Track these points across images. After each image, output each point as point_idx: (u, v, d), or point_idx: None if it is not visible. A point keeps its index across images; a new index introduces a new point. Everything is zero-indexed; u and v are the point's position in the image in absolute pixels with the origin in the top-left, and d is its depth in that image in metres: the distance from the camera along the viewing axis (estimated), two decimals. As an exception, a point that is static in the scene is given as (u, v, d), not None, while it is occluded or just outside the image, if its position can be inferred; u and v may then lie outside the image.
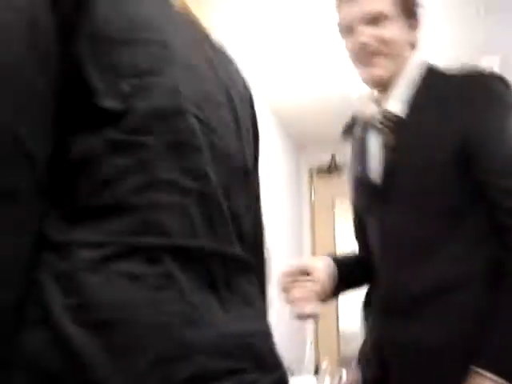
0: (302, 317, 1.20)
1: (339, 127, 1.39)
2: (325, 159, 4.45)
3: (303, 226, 4.46)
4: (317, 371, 2.79)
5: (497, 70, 2.57)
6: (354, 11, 1.18)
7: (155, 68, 0.62)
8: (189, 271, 0.58)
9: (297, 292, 1.19)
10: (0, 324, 0.50)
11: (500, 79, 1.16)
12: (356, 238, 1.43)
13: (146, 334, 0.52)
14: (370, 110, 1.26)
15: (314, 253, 4.52)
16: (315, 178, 4.67)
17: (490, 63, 2.86)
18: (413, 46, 1.25)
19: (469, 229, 1.13)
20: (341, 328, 4.32)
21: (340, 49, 1.28)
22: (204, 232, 0.62)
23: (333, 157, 4.45)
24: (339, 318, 4.35)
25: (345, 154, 1.40)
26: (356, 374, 1.23)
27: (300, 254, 4.24)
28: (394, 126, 1.20)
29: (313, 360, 3.51)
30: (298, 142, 4.40)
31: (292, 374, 2.42)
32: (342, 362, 3.70)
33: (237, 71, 0.83)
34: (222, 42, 0.82)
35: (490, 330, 1.05)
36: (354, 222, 1.43)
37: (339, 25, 1.24)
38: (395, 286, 1.17)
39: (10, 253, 0.51)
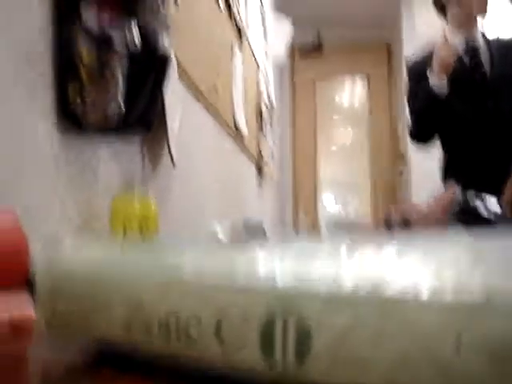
0: None
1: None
2: (308, 36, 4.44)
3: (284, 107, 4.56)
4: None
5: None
6: None
7: None
8: None
9: None
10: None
11: None
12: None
13: None
14: None
15: (294, 136, 4.68)
16: (297, 58, 4.70)
17: None
18: None
19: None
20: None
21: None
22: None
23: (318, 34, 4.42)
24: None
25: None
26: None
27: (281, 136, 4.38)
28: None
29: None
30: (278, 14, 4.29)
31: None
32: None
33: None
34: None
35: None
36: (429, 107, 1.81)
37: None
38: None
39: None
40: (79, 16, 0.85)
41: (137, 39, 0.93)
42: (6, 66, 0.76)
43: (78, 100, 0.87)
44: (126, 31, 0.91)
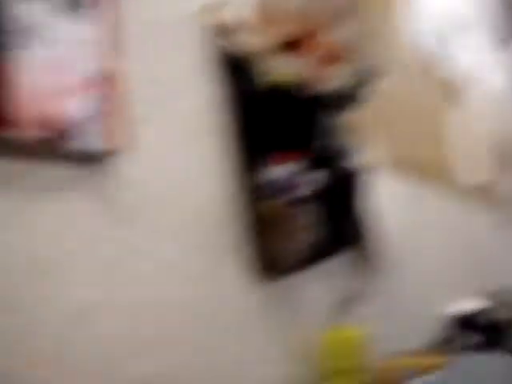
0: None
1: None
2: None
3: None
4: None
5: None
6: None
7: None
8: None
9: None
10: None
11: None
12: None
13: None
14: None
15: None
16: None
17: None
18: None
19: None
20: None
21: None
22: None
23: None
24: None
25: None
26: None
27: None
28: None
29: None
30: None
31: None
32: None
33: None
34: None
35: None
36: None
37: None
38: None
39: None
40: (263, 171, 0.88)
41: (322, 177, 0.94)
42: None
43: (273, 249, 0.90)
44: (311, 173, 0.92)
